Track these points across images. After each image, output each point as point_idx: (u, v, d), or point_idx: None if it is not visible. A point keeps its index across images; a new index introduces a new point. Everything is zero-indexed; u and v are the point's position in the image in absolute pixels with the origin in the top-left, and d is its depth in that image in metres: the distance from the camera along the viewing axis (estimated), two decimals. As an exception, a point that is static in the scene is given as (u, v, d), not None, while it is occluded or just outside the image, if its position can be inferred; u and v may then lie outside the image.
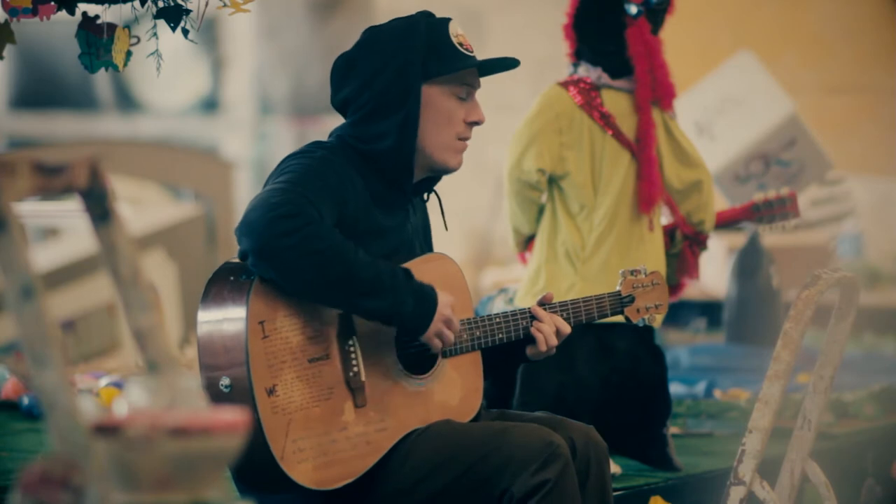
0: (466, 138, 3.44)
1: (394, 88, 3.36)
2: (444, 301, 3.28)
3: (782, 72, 7.29)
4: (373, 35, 3.43)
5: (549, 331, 3.44)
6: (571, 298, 3.56)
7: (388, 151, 3.36)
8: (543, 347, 3.44)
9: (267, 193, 3.16)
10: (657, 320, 3.72)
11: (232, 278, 3.18)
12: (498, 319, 3.43)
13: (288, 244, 3.10)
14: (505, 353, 3.49)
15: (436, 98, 3.40)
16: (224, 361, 3.15)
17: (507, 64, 3.46)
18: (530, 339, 3.45)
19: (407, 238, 3.44)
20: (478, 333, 3.41)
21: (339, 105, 3.44)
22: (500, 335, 3.43)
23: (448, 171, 3.45)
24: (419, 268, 3.37)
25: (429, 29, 3.40)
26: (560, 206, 4.37)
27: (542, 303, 3.49)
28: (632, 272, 3.64)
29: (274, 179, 3.25)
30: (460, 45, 3.41)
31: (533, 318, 3.44)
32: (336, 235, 3.16)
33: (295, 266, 3.12)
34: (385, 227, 3.36)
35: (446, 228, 3.54)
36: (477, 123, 3.45)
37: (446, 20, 3.42)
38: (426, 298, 3.25)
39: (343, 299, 3.19)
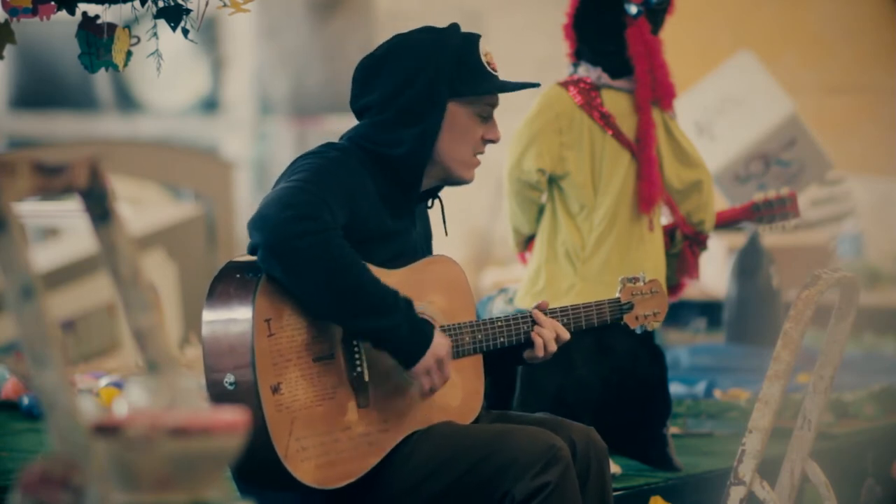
0: (481, 153, 3.46)
1: (420, 101, 3.36)
2: (441, 343, 3.26)
3: (782, 72, 7.28)
4: (403, 43, 3.42)
5: (549, 336, 3.44)
6: (571, 302, 3.56)
7: (402, 158, 3.36)
8: (541, 353, 3.44)
9: (283, 191, 3.16)
10: (655, 326, 3.72)
11: (238, 276, 3.18)
12: (500, 323, 3.43)
13: (301, 245, 3.10)
14: (502, 356, 3.49)
15: (459, 116, 3.40)
16: (229, 358, 3.15)
17: (530, 85, 3.47)
18: (530, 343, 3.46)
19: (412, 242, 3.44)
20: (479, 336, 3.41)
21: (360, 108, 3.44)
22: (502, 339, 3.43)
23: (463, 182, 3.46)
24: (423, 269, 3.38)
25: (460, 45, 3.40)
26: (560, 206, 4.37)
27: (540, 310, 3.49)
28: (631, 279, 3.64)
29: (288, 178, 3.25)
30: (488, 64, 3.41)
31: (534, 322, 3.45)
32: (348, 247, 3.16)
33: (304, 269, 3.12)
34: (392, 230, 3.37)
35: (447, 234, 3.54)
36: (493, 142, 3.46)
37: (476, 37, 3.43)
38: (422, 332, 3.24)
39: (342, 311, 3.18)
